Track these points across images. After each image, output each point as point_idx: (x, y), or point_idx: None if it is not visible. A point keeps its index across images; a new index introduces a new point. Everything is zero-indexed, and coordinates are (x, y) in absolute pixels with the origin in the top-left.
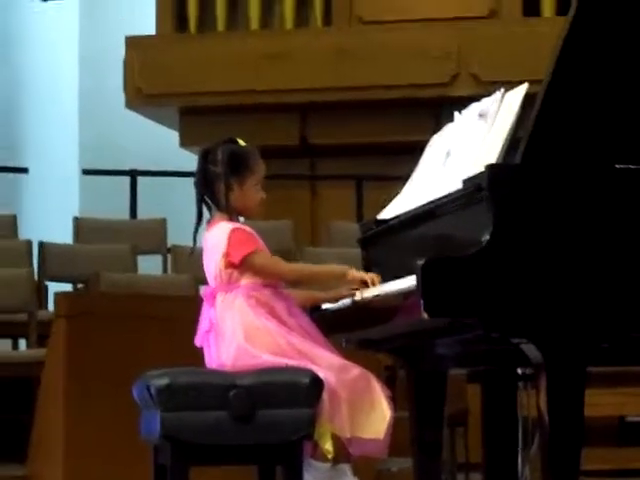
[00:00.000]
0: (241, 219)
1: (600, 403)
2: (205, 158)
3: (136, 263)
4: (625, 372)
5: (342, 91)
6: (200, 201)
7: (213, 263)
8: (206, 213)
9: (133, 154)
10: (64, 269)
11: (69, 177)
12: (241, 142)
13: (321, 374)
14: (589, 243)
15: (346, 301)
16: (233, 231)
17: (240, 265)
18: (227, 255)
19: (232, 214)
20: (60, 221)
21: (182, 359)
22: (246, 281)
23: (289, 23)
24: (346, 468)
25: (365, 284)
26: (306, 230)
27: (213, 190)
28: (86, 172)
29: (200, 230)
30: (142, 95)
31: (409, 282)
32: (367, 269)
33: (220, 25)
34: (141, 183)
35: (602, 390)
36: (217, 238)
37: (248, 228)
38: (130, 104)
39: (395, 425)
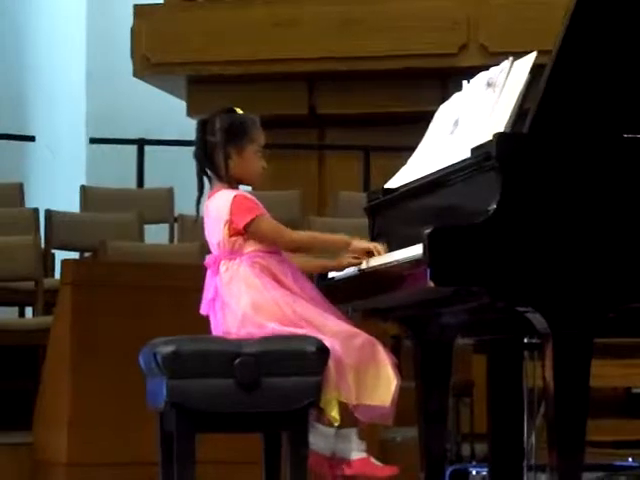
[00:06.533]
0: (243, 188)
1: (607, 374)
2: (203, 129)
3: (143, 232)
4: (632, 344)
5: (351, 61)
6: (200, 173)
7: (216, 232)
8: (207, 186)
9: (140, 123)
10: (71, 238)
11: (76, 145)
12: (239, 111)
13: (327, 342)
14: (596, 212)
15: (353, 270)
16: (235, 198)
17: (245, 231)
18: (231, 222)
19: (232, 183)
20: (67, 190)
21: (188, 327)
22: (250, 249)
23: None
24: (352, 433)
25: (369, 254)
26: (313, 200)
27: (212, 160)
28: (93, 141)
29: (202, 201)
30: (150, 64)
31: (416, 251)
32: (374, 238)
33: None
34: (148, 152)
35: (609, 361)
36: (219, 207)
37: (250, 195)
38: (138, 73)
39: (400, 395)
